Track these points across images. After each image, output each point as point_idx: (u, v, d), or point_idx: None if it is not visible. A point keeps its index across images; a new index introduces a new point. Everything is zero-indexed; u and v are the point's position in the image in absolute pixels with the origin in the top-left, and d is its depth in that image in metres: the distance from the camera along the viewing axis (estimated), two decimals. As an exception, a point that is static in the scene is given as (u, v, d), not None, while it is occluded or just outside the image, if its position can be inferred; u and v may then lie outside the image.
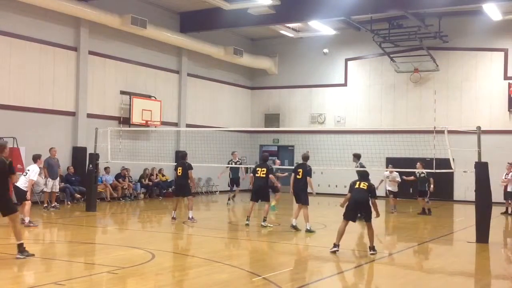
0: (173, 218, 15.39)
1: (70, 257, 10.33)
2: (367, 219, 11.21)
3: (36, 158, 14.62)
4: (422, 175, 18.33)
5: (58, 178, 18.33)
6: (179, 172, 15.43)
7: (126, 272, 8.89)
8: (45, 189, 17.94)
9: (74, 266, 9.54)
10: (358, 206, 11.19)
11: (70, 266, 9.60)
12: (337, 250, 10.91)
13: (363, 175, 11.76)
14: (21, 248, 9.58)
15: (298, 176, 14.02)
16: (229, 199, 21.38)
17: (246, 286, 8.39)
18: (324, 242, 13.22)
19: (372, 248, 11.02)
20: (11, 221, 9.79)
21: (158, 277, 8.72)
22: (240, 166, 21.23)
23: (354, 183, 11.43)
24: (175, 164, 17.37)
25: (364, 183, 11.35)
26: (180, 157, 16.10)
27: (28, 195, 13.59)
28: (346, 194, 11.39)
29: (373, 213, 11.23)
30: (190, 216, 15.21)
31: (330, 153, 19.19)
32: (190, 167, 15.35)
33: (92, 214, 17.03)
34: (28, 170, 13.82)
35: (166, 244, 12.45)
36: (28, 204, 13.65)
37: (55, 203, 18.03)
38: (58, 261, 10.09)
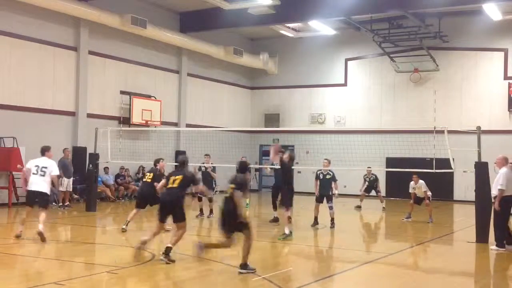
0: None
1: (70, 257, 10.31)
2: (175, 220, 9.58)
3: (44, 150, 11.87)
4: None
5: (72, 178, 18.68)
6: None
7: (126, 272, 8.89)
8: (60, 188, 18.17)
9: (74, 266, 9.52)
10: (166, 207, 9.59)
11: (70, 266, 9.59)
12: (141, 247, 9.65)
13: (181, 162, 9.77)
14: None
15: None
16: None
17: (246, 286, 8.39)
18: (324, 242, 13.25)
19: (166, 252, 9.35)
20: None
21: (158, 277, 8.72)
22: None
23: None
24: None
25: (177, 177, 9.41)
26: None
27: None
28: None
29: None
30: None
31: (330, 153, 19.19)
32: None
33: (92, 214, 17.04)
34: (45, 167, 11.35)
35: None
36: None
37: (68, 202, 18.40)
38: (58, 261, 10.09)
